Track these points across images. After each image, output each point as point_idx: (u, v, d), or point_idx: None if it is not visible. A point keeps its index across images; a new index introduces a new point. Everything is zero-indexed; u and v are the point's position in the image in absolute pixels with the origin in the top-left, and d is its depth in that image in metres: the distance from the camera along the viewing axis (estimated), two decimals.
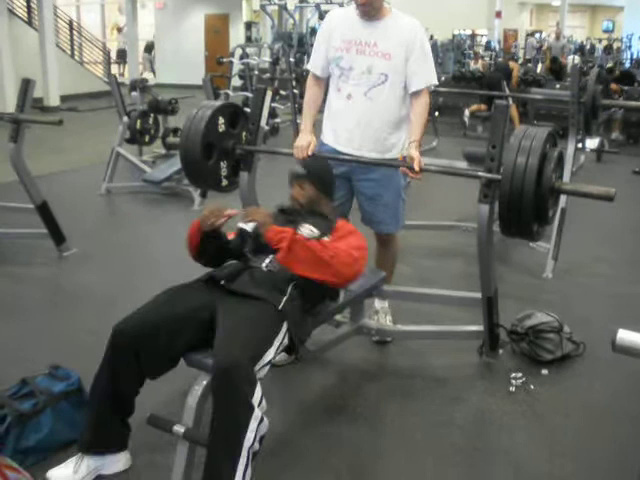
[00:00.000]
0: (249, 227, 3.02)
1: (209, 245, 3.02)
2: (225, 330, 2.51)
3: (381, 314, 3.93)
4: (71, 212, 6.16)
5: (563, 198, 4.72)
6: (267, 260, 2.90)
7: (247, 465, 2.35)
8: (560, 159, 2.88)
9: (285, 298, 2.71)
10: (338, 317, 3.54)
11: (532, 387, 3.45)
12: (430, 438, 3.01)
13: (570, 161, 5.25)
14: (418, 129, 3.53)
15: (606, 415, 3.25)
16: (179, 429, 2.52)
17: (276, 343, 2.59)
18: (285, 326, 2.66)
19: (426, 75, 3.54)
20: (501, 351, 3.73)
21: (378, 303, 3.97)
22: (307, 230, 3.08)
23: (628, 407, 3.34)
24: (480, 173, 2.91)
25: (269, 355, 2.54)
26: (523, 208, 2.73)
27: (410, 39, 3.48)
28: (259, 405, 2.38)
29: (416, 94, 3.55)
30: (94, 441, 2.65)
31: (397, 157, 3.59)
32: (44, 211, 5.07)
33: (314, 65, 3.71)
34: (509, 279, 4.93)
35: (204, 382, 2.56)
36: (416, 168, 3.24)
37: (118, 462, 2.71)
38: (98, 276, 4.90)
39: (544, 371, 3.61)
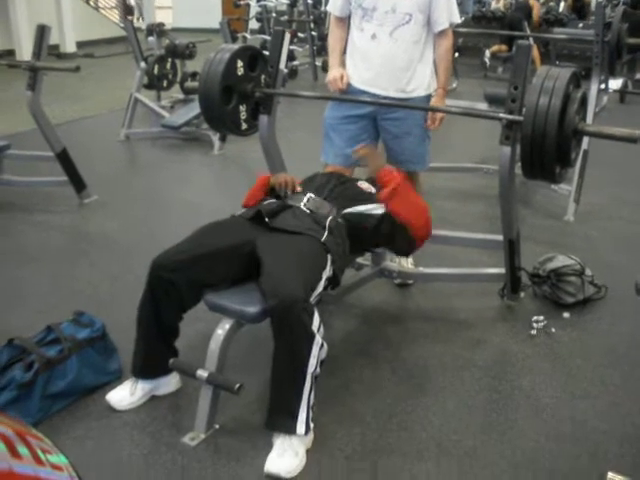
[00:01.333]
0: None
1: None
2: (278, 266, 2.56)
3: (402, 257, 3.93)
4: (91, 159, 6.16)
5: (585, 140, 4.66)
6: (305, 199, 2.97)
7: (311, 389, 2.47)
8: (583, 100, 2.83)
9: (326, 232, 2.77)
10: (360, 260, 3.55)
11: (553, 330, 3.45)
12: (452, 381, 3.03)
13: (593, 102, 5.17)
14: (443, 74, 3.70)
15: (627, 358, 3.25)
16: (202, 373, 2.55)
17: (324, 275, 2.66)
18: (330, 258, 2.72)
19: (450, 14, 3.56)
20: (522, 294, 3.73)
21: None
22: (365, 185, 3.26)
23: None
24: (501, 115, 2.86)
25: (320, 287, 2.62)
26: (545, 150, 2.69)
27: None
28: (319, 331, 2.47)
29: (440, 34, 3.59)
30: (145, 366, 2.79)
31: (422, 95, 3.65)
32: (64, 159, 5.07)
33: (333, 6, 3.69)
34: (531, 222, 4.92)
35: (227, 326, 2.59)
36: (433, 126, 3.64)
37: (169, 384, 2.88)
38: (119, 223, 4.92)
39: (565, 314, 3.61)
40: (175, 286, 2.61)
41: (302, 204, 2.94)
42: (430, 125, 3.64)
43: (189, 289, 2.65)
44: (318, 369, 2.49)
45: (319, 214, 2.89)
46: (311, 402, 2.48)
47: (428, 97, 3.67)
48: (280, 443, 2.46)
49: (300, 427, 2.44)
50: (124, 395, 2.79)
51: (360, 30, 3.59)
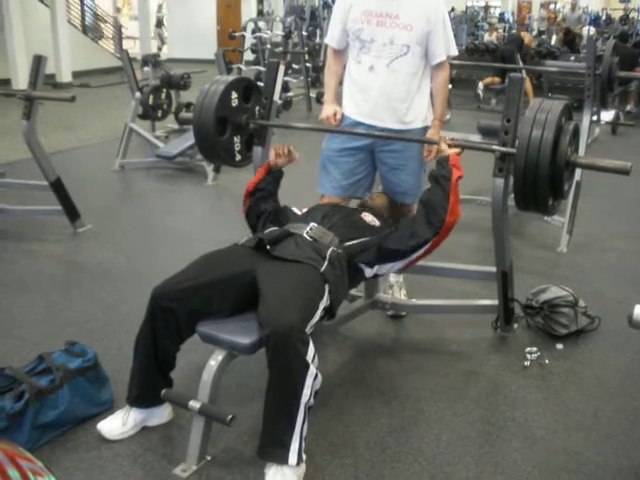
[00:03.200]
0: (298, 211, 3.31)
1: (267, 183, 3.32)
2: (275, 294, 2.56)
3: (396, 288, 3.93)
4: (85, 188, 6.17)
5: (578, 171, 4.69)
6: (308, 228, 2.98)
7: (304, 420, 2.46)
8: (576, 132, 2.85)
9: (326, 262, 2.77)
10: (353, 291, 3.55)
11: (547, 361, 3.45)
12: (445, 412, 3.02)
13: (585, 134, 5.20)
14: (440, 106, 3.71)
15: (620, 390, 3.24)
16: (195, 404, 2.54)
17: (321, 305, 2.65)
18: (327, 288, 2.71)
19: (447, 46, 3.58)
20: (516, 325, 3.73)
21: (393, 277, 3.97)
22: (370, 217, 3.29)
23: None
24: (495, 147, 2.88)
25: (316, 317, 2.61)
26: (538, 182, 2.71)
27: (432, 11, 3.48)
28: (313, 361, 2.46)
29: (438, 66, 3.62)
30: (139, 396, 2.77)
31: (420, 127, 3.67)
32: (58, 188, 5.07)
33: (331, 38, 3.71)
34: (524, 253, 4.92)
35: (219, 357, 2.58)
36: (430, 157, 3.59)
37: (161, 415, 2.86)
38: (113, 252, 4.91)
39: (559, 345, 3.60)
40: (175, 315, 2.61)
41: (305, 232, 2.95)
42: (427, 157, 3.65)
43: (189, 318, 2.64)
44: (312, 400, 2.48)
45: (321, 243, 2.90)
46: (304, 433, 2.47)
47: (425, 129, 3.68)
48: (272, 474, 2.44)
49: (292, 457, 2.43)
50: (116, 425, 2.77)
51: (358, 62, 3.61)
